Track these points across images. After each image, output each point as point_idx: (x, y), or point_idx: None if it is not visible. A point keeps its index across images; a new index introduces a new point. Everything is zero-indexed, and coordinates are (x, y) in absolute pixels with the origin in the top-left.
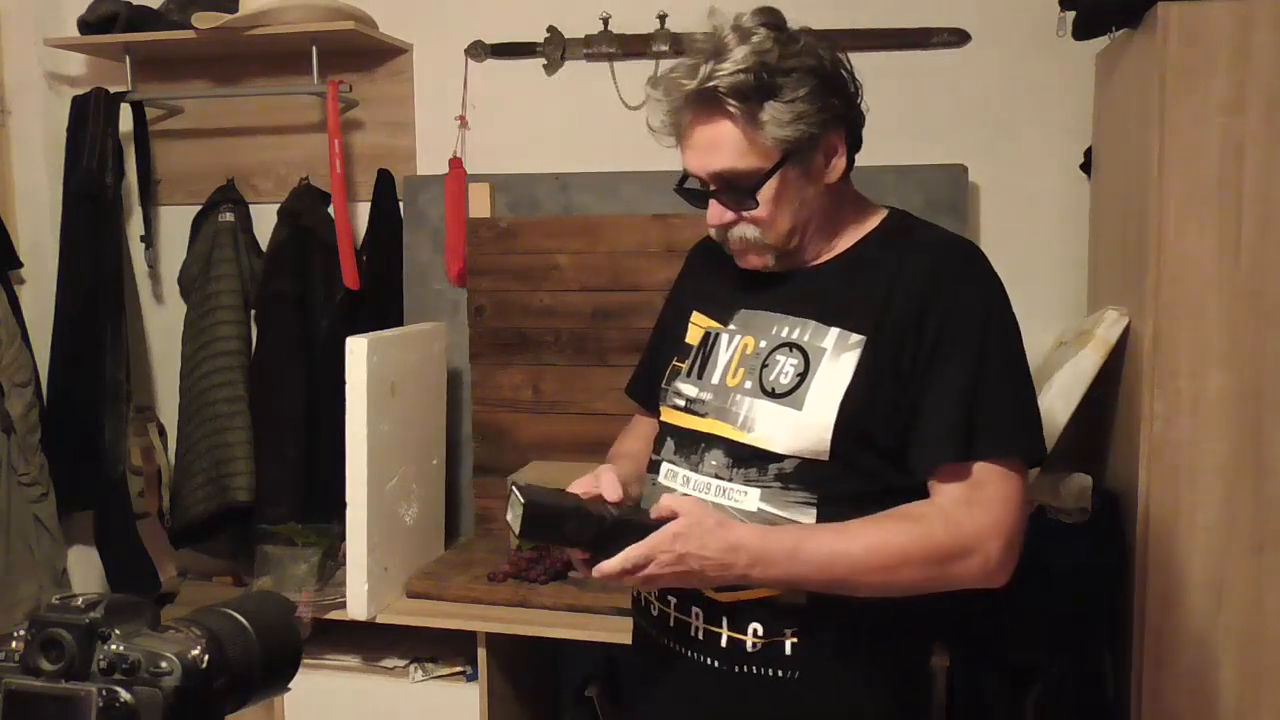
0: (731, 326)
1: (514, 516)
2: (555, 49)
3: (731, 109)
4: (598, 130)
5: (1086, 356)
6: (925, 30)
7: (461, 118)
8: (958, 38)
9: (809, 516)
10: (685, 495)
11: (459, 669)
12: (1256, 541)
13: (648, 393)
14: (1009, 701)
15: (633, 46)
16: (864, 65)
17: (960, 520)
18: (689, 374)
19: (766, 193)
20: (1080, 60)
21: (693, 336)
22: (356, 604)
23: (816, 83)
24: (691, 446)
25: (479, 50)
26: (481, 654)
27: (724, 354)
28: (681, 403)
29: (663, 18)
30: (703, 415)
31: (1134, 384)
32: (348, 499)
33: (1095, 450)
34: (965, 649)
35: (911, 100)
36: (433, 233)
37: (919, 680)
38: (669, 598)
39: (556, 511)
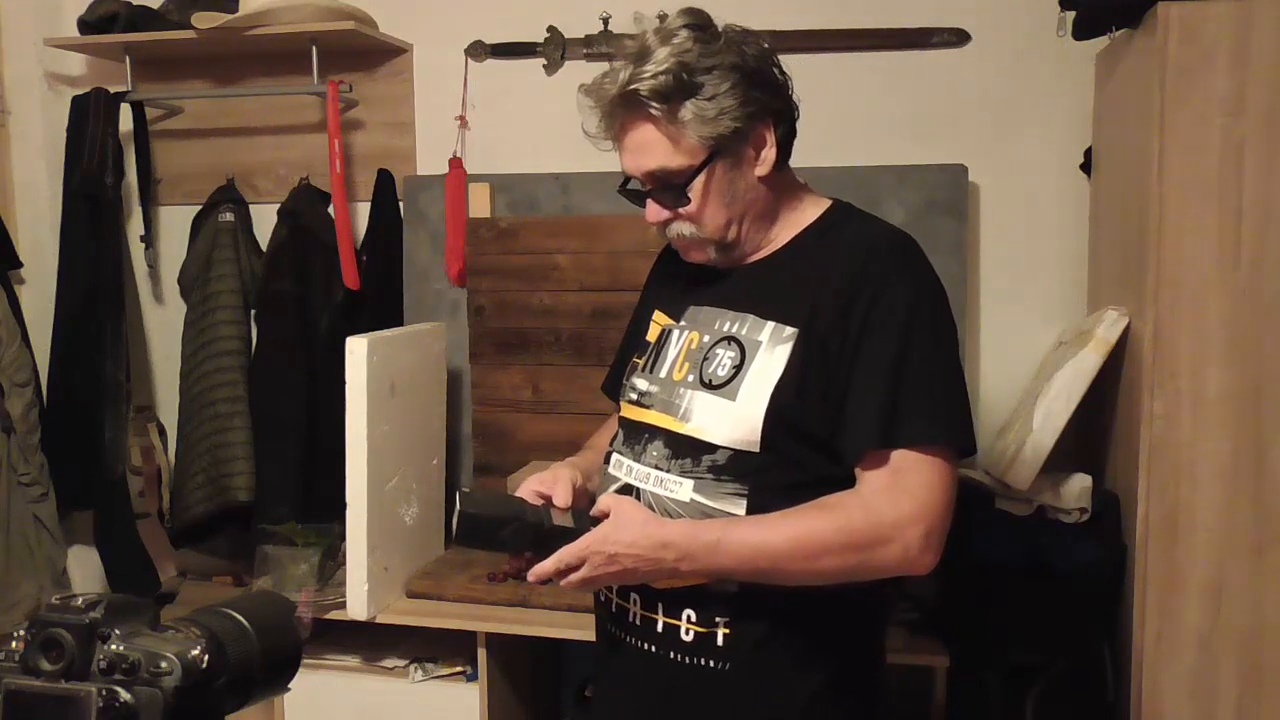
0: (681, 323)
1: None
2: (555, 49)
3: (654, 111)
4: None
5: (1086, 356)
6: (925, 30)
7: (461, 118)
8: (958, 38)
9: (739, 508)
10: (623, 488)
11: (459, 669)
12: (1256, 542)
13: (616, 390)
14: (1009, 701)
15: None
16: (864, 65)
17: (879, 508)
18: (643, 369)
19: (697, 189)
20: (1080, 60)
21: (652, 334)
22: (356, 604)
23: (738, 78)
24: (636, 437)
25: (479, 50)
26: (481, 654)
27: (673, 349)
28: (634, 396)
29: (663, 18)
30: (649, 407)
31: (1134, 384)
32: (348, 499)
33: (1095, 450)
34: (965, 649)
35: (911, 100)
36: (433, 233)
37: (864, 678)
38: (612, 585)
39: (492, 521)
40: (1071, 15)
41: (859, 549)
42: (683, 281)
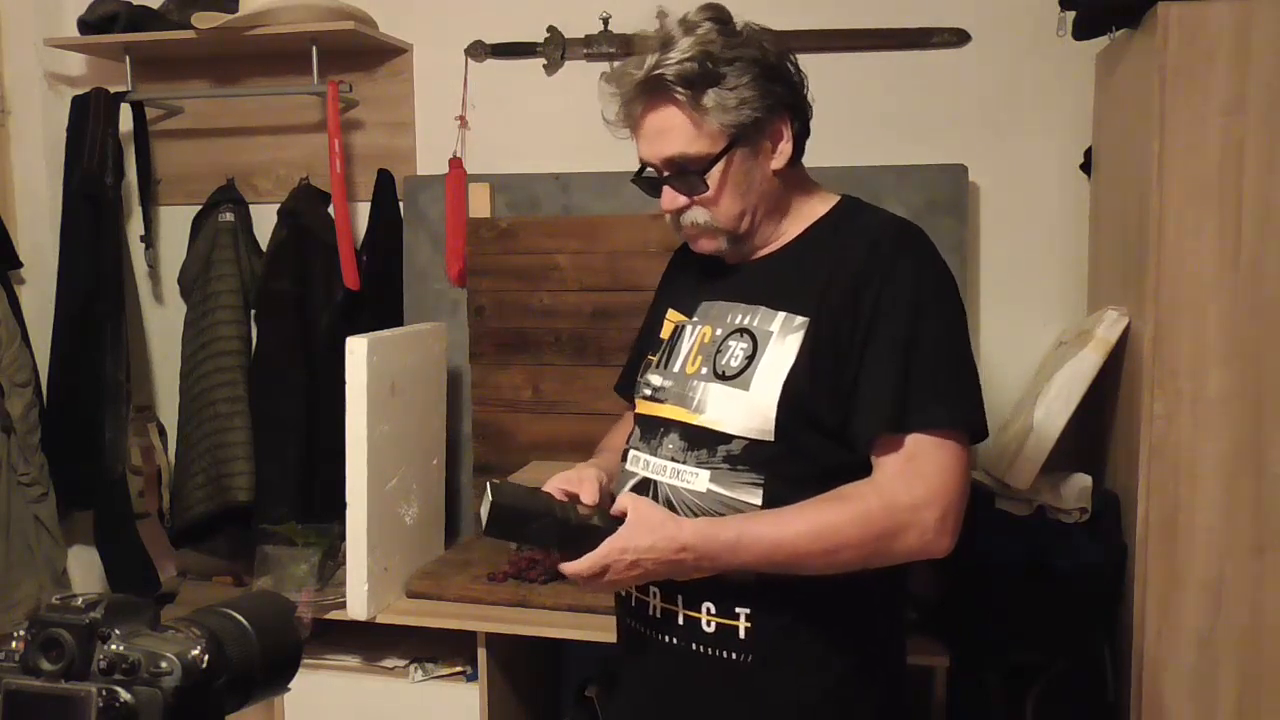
0: (694, 318)
1: (484, 512)
2: (555, 49)
3: (678, 96)
4: (598, 130)
5: (1086, 356)
6: (925, 30)
7: (461, 118)
8: (958, 38)
9: (756, 497)
10: (640, 483)
11: (459, 669)
12: (1256, 541)
13: (630, 389)
14: (1009, 701)
15: (633, 46)
16: (864, 65)
17: (895, 495)
18: (657, 365)
19: (715, 176)
20: (1080, 60)
21: (665, 332)
22: (356, 604)
23: (759, 71)
24: (652, 431)
25: (479, 50)
26: (481, 654)
27: (686, 344)
28: (649, 392)
29: (663, 17)
30: (663, 401)
31: (1134, 384)
32: (348, 499)
33: (1095, 450)
34: (965, 649)
35: (911, 100)
36: (433, 233)
37: (887, 663)
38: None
39: (522, 513)
40: (1071, 15)
41: (876, 537)
42: (694, 279)
